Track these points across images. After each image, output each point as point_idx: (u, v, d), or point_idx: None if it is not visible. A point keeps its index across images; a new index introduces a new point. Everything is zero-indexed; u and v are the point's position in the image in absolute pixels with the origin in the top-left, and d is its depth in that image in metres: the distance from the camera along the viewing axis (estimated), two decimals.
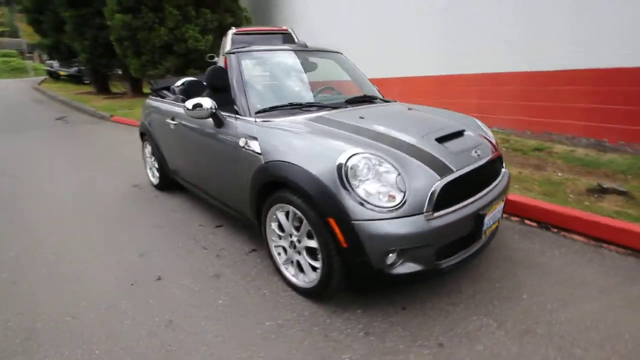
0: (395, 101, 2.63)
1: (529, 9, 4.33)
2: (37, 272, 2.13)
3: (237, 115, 2.10)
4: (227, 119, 2.13)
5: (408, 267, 1.53)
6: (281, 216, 1.80)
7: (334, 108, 2.19)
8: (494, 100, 4.82)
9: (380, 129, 1.83)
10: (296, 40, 2.82)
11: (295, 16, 9.17)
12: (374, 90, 2.75)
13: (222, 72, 2.82)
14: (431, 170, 1.57)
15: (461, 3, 5.10)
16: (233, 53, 2.30)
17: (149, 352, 1.50)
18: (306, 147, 1.68)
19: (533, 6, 4.28)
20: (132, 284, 2.00)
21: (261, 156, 1.82)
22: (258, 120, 1.98)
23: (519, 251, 2.21)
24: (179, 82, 3.53)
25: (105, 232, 2.64)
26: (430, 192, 1.51)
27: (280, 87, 2.38)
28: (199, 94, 3.17)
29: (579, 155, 3.79)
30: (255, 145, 1.87)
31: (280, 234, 1.86)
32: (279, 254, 1.94)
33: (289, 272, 1.88)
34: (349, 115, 2.06)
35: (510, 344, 1.48)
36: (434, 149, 1.69)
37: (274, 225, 1.89)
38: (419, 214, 1.48)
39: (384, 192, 1.47)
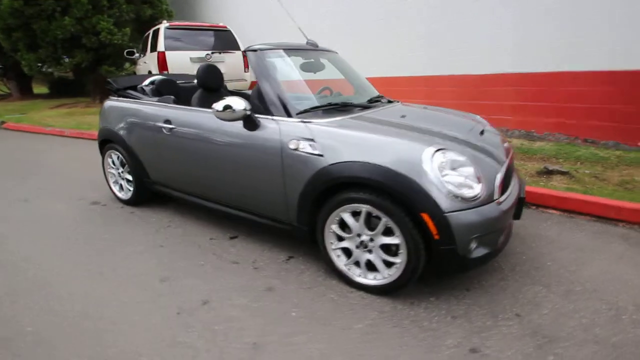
0: (398, 101, 2.77)
1: (467, 23, 4.98)
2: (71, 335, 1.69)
3: (275, 117, 1.98)
4: (263, 121, 2.00)
5: (481, 251, 1.68)
6: (347, 217, 1.78)
7: (364, 108, 2.22)
8: (439, 100, 5.40)
9: (428, 126, 1.95)
10: (308, 39, 2.71)
11: (227, 12, 8.75)
12: (375, 91, 2.85)
13: (217, 71, 2.61)
14: (492, 161, 1.75)
15: (403, 15, 5.58)
16: (255, 50, 2.14)
17: None
18: (381, 145, 1.69)
19: (472, 20, 4.94)
20: (178, 313, 1.73)
21: (322, 158, 1.77)
22: (306, 121, 1.90)
23: (517, 227, 2.58)
24: (147, 82, 3.12)
25: (98, 263, 2.21)
26: (496, 180, 1.68)
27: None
28: (172, 94, 2.87)
29: (516, 144, 4.52)
30: (312, 147, 1.80)
31: (345, 235, 1.83)
32: (339, 256, 1.90)
33: (354, 273, 1.87)
34: (389, 114, 2.13)
35: (563, 303, 1.75)
36: (483, 143, 1.88)
37: (334, 228, 1.85)
38: (492, 201, 1.64)
39: (465, 184, 1.58)
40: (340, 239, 1.88)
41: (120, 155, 2.93)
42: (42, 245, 2.45)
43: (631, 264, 2.08)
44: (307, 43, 2.56)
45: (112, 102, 3.03)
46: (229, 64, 6.77)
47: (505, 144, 2.06)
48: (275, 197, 2.04)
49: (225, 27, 6.93)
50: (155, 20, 8.62)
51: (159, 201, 3.11)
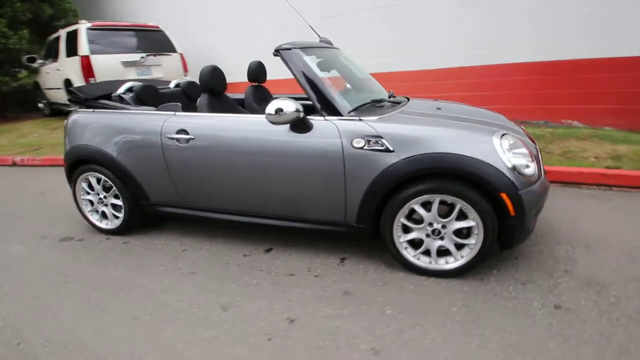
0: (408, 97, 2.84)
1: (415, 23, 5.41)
2: None
3: (327, 117, 1.92)
4: (315, 122, 1.91)
5: (534, 222, 1.90)
6: (419, 208, 1.83)
7: (395, 104, 2.28)
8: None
9: (469, 116, 2.11)
10: (321, 37, 2.58)
11: (143, 11, 7.91)
12: (381, 86, 2.89)
13: (222, 73, 2.44)
14: (531, 142, 1.99)
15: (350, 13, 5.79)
16: (289, 49, 2.02)
17: None
18: (452, 136, 1.78)
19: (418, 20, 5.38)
20: (269, 339, 1.57)
21: (393, 153, 1.78)
22: (364, 119, 1.89)
23: None
24: (123, 89, 2.70)
25: (123, 309, 1.86)
26: (540, 159, 1.93)
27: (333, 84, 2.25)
28: (155, 101, 2.58)
29: None
30: (381, 144, 1.80)
31: (414, 226, 1.88)
32: (406, 248, 1.95)
33: (423, 262, 1.93)
34: (426, 108, 2.23)
35: (590, 256, 2.07)
36: (514, 127, 2.11)
37: (403, 220, 1.89)
38: (542, 177, 1.87)
39: (526, 164, 1.77)
40: (407, 231, 1.92)
41: (104, 178, 2.48)
42: (37, 301, 1.96)
43: (613, 215, 2.57)
44: (320, 41, 2.51)
45: (84, 115, 2.53)
46: (167, 67, 6.17)
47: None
48: (332, 199, 1.98)
49: (158, 27, 6.27)
50: (56, 20, 7.34)
51: (149, 225, 2.71)
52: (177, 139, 2.18)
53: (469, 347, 1.47)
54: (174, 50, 6.27)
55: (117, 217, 2.62)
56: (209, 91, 2.40)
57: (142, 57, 5.81)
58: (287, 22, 6.44)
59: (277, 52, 2.04)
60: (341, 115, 1.92)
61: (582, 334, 1.50)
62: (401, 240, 1.93)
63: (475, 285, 1.86)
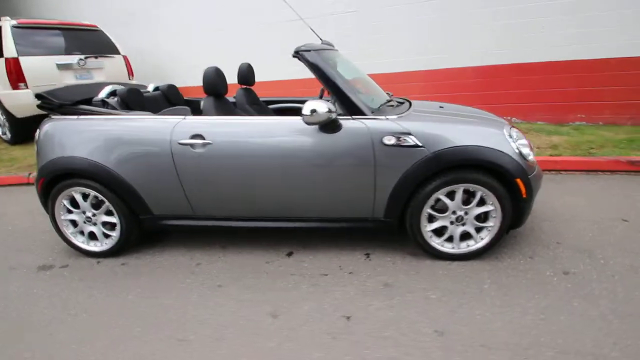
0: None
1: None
2: None
3: (355, 116, 1.98)
4: (344, 122, 1.96)
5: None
6: (444, 197, 1.99)
7: (402, 103, 2.43)
8: None
9: (471, 113, 2.35)
10: (322, 40, 2.51)
11: (66, 7, 7.08)
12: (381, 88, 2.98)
13: (223, 74, 2.38)
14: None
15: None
16: (309, 50, 2.03)
17: None
18: (470, 130, 1.97)
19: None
20: (333, 338, 1.57)
21: (423, 148, 1.91)
22: (389, 117, 1.99)
23: None
24: (105, 93, 2.44)
25: (176, 328, 1.71)
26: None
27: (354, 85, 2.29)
28: (140, 105, 2.46)
29: None
30: (411, 140, 1.91)
31: (439, 215, 2.04)
32: (431, 237, 2.09)
33: (447, 248, 2.10)
34: (431, 107, 2.40)
35: (596, 227, 2.42)
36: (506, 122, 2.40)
37: (429, 210, 2.03)
38: (535, 164, 2.16)
39: (529, 152, 2.04)
40: (430, 220, 2.07)
41: (94, 193, 2.20)
42: (50, 340, 1.67)
43: (571, 194, 3.03)
44: (323, 43, 2.55)
45: (64, 123, 2.21)
46: (110, 71, 5.59)
47: None
48: (361, 196, 2.04)
49: (95, 27, 5.64)
50: None
51: (141, 243, 2.47)
52: (191, 145, 2.04)
53: (514, 316, 1.66)
54: (116, 51, 5.71)
55: (108, 237, 2.34)
56: (214, 94, 2.29)
57: (81, 60, 5.17)
58: (244, 23, 6.33)
59: (297, 53, 2.04)
60: (364, 115, 2.00)
61: (594, 291, 1.79)
62: (427, 229, 2.08)
63: (494, 264, 2.08)
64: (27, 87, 4.70)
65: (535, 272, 1.98)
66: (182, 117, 2.10)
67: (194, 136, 2.04)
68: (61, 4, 7.31)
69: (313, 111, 1.84)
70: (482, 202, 2.01)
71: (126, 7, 6.84)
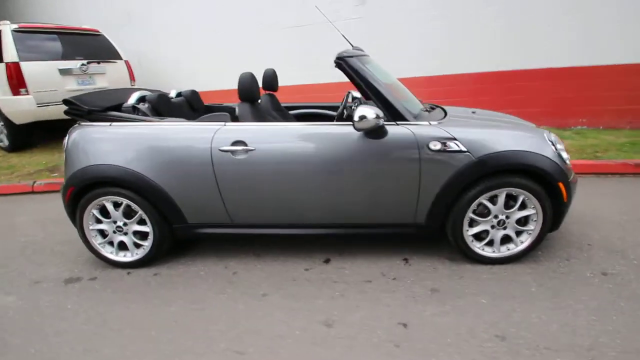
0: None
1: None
2: None
3: (399, 122, 1.98)
4: (391, 128, 1.96)
5: None
6: (487, 202, 2.01)
7: (436, 109, 2.45)
8: None
9: (504, 119, 2.39)
10: (354, 45, 2.51)
11: (57, 9, 6.92)
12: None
13: (257, 81, 2.36)
14: None
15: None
16: (352, 56, 2.03)
17: None
18: (512, 135, 2.01)
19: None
20: (397, 346, 1.56)
21: (468, 153, 1.93)
22: (432, 123, 2.00)
23: None
24: (134, 99, 2.38)
25: (231, 339, 1.66)
26: None
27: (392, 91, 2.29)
28: (168, 112, 2.44)
29: None
30: (457, 145, 1.93)
31: (480, 219, 2.05)
32: (472, 241, 2.11)
33: (487, 252, 2.11)
34: (464, 112, 2.43)
35: (616, 228, 2.50)
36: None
37: (471, 215, 2.04)
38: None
39: (567, 156, 2.09)
40: (471, 225, 2.09)
41: (127, 201, 2.13)
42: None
43: (587, 197, 3.12)
44: (354, 49, 2.55)
45: (96, 130, 2.14)
46: (112, 76, 5.46)
47: None
48: (404, 201, 2.05)
49: (97, 31, 5.51)
50: None
51: (174, 253, 2.40)
52: (233, 152, 2.00)
53: (568, 317, 1.68)
54: (118, 57, 5.58)
55: (139, 247, 2.27)
56: (249, 99, 2.27)
57: (84, 65, 5.04)
58: (241, 29, 6.30)
59: (339, 60, 2.04)
60: (408, 120, 2.01)
61: (636, 290, 1.83)
62: (469, 234, 2.09)
63: (534, 267, 2.10)
64: (27, 92, 4.54)
65: (575, 274, 2.02)
66: (222, 123, 2.06)
67: (236, 142, 2.01)
68: (55, 6, 7.13)
69: (362, 117, 1.83)
70: (523, 206, 2.04)
71: (123, 8, 6.72)
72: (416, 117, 2.05)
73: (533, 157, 1.93)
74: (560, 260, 2.15)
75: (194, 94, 2.94)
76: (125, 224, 2.21)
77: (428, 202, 2.04)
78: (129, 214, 2.20)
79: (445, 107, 2.47)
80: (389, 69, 2.94)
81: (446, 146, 1.94)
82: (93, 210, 2.19)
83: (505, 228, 2.08)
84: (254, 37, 6.20)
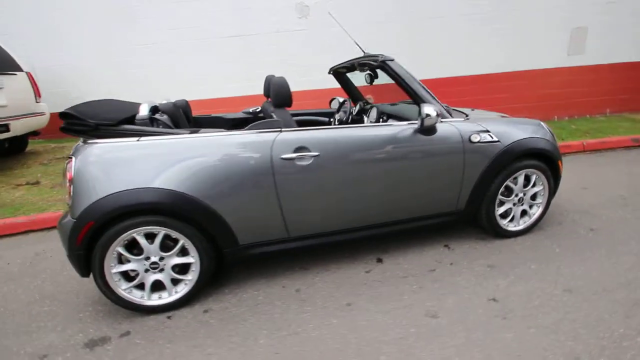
0: None
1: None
2: None
3: (443, 119, 2.16)
4: (438, 125, 2.11)
5: None
6: (511, 183, 2.34)
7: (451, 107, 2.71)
8: None
9: (500, 114, 2.79)
10: (365, 51, 2.48)
11: None
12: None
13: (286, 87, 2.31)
14: None
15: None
16: (392, 60, 2.12)
17: None
18: (524, 126, 2.36)
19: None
20: (504, 318, 1.69)
21: (499, 143, 2.21)
22: (467, 117, 2.24)
23: None
24: (146, 109, 2.01)
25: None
26: None
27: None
28: (183, 122, 2.30)
29: None
30: (490, 136, 2.20)
31: (506, 199, 2.37)
32: (500, 219, 2.41)
33: (510, 227, 2.45)
34: (467, 110, 2.74)
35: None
36: None
37: (499, 197, 2.34)
38: None
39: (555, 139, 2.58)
40: (500, 204, 2.40)
41: (165, 231, 1.77)
42: None
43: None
44: (365, 54, 2.63)
45: (118, 147, 1.71)
46: (11, 91, 4.33)
47: None
48: (451, 191, 2.23)
49: None
50: None
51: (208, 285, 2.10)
52: (296, 159, 1.87)
53: (604, 263, 2.09)
54: (17, 68, 4.46)
55: (177, 283, 1.90)
56: (288, 104, 2.14)
57: None
58: (177, 39, 5.74)
59: (383, 62, 2.11)
60: (447, 117, 2.21)
61: (617, 236, 2.38)
62: (497, 213, 2.39)
63: (554, 232, 2.50)
64: None
65: (574, 233, 2.50)
66: (278, 130, 1.91)
67: (298, 149, 1.88)
68: None
69: (427, 115, 1.95)
70: (534, 183, 2.44)
71: (32, 17, 5.40)
72: (450, 114, 2.26)
73: (543, 142, 2.35)
74: (558, 225, 2.63)
75: (187, 105, 2.60)
76: (161, 259, 1.83)
77: (469, 190, 2.27)
78: (165, 245, 1.83)
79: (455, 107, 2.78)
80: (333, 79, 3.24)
81: (481, 138, 2.20)
82: (117, 248, 1.75)
83: (522, 204, 2.46)
84: (187, 48, 5.72)
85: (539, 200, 2.49)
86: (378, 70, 2.59)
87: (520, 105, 5.94)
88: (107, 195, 1.67)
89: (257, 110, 3.08)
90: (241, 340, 1.67)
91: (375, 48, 2.70)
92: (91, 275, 1.80)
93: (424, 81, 2.37)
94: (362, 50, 2.69)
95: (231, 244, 1.92)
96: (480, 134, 2.21)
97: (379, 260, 2.29)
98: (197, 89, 5.79)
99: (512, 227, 2.46)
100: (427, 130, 2.08)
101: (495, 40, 5.70)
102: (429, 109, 1.97)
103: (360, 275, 2.15)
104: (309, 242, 2.08)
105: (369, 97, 3.42)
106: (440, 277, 2.09)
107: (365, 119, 2.94)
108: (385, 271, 2.17)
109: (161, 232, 1.78)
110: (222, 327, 1.77)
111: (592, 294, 1.84)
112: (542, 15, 5.58)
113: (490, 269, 2.14)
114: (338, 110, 3.22)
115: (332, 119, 3.29)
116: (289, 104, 2.17)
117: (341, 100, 3.38)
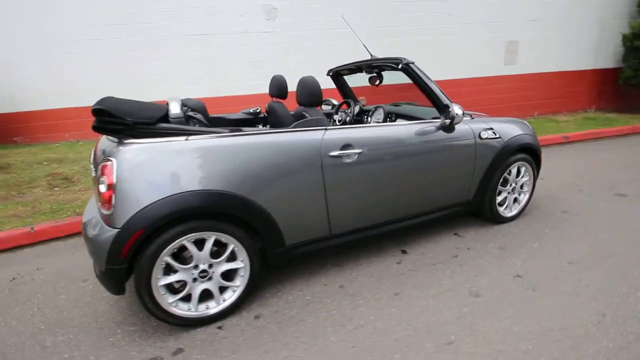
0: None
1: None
2: None
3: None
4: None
5: None
6: (507, 175, 2.66)
7: None
8: None
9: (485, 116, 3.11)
10: (372, 54, 2.50)
11: None
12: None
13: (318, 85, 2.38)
14: None
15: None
16: (413, 62, 2.26)
17: None
18: (514, 125, 2.68)
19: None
20: (534, 290, 1.92)
21: (500, 139, 2.50)
22: (473, 117, 2.48)
23: None
24: (176, 109, 1.88)
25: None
26: None
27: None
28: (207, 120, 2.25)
29: None
30: (494, 133, 2.48)
31: (503, 188, 2.68)
32: (498, 207, 2.71)
33: (506, 213, 2.77)
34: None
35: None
36: None
37: (500, 187, 2.65)
38: None
39: None
40: (499, 193, 2.70)
41: (216, 236, 1.66)
42: None
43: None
44: (372, 57, 2.74)
45: (173, 146, 1.57)
46: None
47: None
48: (464, 183, 2.47)
49: None
50: None
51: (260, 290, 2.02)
52: (343, 156, 1.90)
53: (587, 238, 2.47)
54: None
55: (224, 290, 1.79)
56: (320, 103, 2.16)
57: None
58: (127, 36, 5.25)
59: (406, 65, 2.25)
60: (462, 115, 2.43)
61: (588, 219, 2.85)
62: (497, 201, 2.69)
63: (536, 216, 2.88)
64: None
65: (553, 214, 2.92)
66: (324, 128, 1.91)
67: (345, 146, 1.91)
68: None
69: (457, 115, 2.15)
70: (522, 174, 2.80)
71: None
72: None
73: (531, 138, 2.71)
74: (536, 210, 3.03)
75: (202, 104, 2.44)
76: (210, 266, 1.71)
77: (477, 181, 2.52)
78: (217, 251, 1.71)
79: None
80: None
81: (488, 135, 2.47)
82: (166, 259, 1.59)
83: (514, 193, 2.80)
84: (140, 46, 5.28)
85: (525, 188, 2.86)
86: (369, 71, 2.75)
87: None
88: (158, 200, 1.52)
89: (257, 111, 3.00)
90: (311, 340, 1.64)
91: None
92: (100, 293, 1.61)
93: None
94: (370, 54, 2.82)
95: (279, 244, 1.87)
96: (487, 131, 2.47)
97: (404, 252, 2.42)
98: (152, 90, 5.37)
99: (507, 213, 2.79)
100: (451, 127, 2.28)
101: (443, 50, 6.28)
102: (458, 109, 2.16)
103: (394, 266, 2.25)
104: (347, 239, 2.12)
105: (362, 99, 3.56)
106: (464, 261, 2.28)
107: (369, 119, 3.07)
108: (414, 261, 2.30)
109: (212, 237, 1.67)
110: (284, 329, 1.72)
111: (590, 263, 2.19)
112: (482, 29, 6.33)
113: (503, 250, 2.40)
114: (336, 112, 3.30)
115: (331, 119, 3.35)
116: (320, 103, 2.19)
117: (334, 101, 3.47)
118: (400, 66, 2.28)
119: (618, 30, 6.72)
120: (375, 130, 2.14)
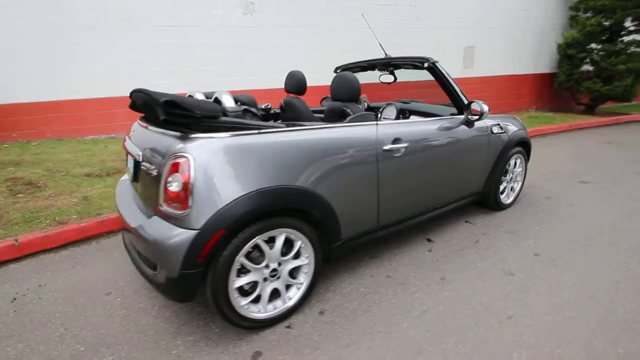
0: None
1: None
2: None
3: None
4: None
5: None
6: (511, 165, 2.95)
7: None
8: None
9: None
10: (387, 53, 2.47)
11: None
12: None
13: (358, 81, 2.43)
14: None
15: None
16: (437, 61, 2.39)
17: None
18: (512, 121, 2.97)
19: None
20: (554, 265, 2.17)
21: (505, 134, 2.76)
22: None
23: None
24: (230, 102, 1.81)
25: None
26: None
27: None
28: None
29: None
30: (501, 128, 2.73)
31: (504, 178, 2.96)
32: (501, 193, 2.99)
33: (506, 201, 3.06)
34: None
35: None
36: None
37: (503, 177, 2.92)
38: None
39: None
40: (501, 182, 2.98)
41: (287, 233, 1.62)
42: None
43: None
44: (386, 56, 2.82)
45: (249, 140, 1.49)
46: None
47: None
48: (479, 174, 2.68)
49: None
50: None
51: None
52: (393, 150, 1.96)
53: (574, 220, 2.83)
54: None
55: (288, 289, 1.74)
56: (348, 100, 2.19)
57: None
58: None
59: (432, 64, 2.37)
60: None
61: (567, 204, 3.27)
62: (500, 190, 2.96)
63: (526, 203, 3.21)
64: None
65: (540, 200, 3.29)
66: (375, 122, 1.95)
67: (395, 140, 1.98)
68: None
69: (485, 111, 2.33)
70: (518, 165, 3.11)
71: None
72: None
73: (525, 133, 3.03)
74: (524, 197, 3.39)
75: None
76: (280, 264, 1.66)
77: (486, 173, 2.76)
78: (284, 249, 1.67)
79: None
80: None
81: (498, 130, 2.72)
82: (241, 259, 1.51)
83: (512, 182, 3.10)
84: (100, 35, 4.80)
85: (519, 178, 3.18)
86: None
87: None
88: (238, 198, 1.44)
89: (269, 107, 2.93)
90: (386, 329, 1.69)
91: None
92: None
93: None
94: (385, 52, 2.90)
95: (337, 239, 1.88)
96: (496, 126, 2.72)
97: (429, 240, 2.56)
98: (115, 84, 4.92)
99: (506, 201, 3.08)
100: (472, 122, 2.46)
101: (411, 53, 6.66)
102: (485, 106, 2.34)
103: (426, 254, 2.37)
104: (389, 230, 2.19)
105: (364, 97, 3.65)
106: (486, 245, 2.49)
107: (380, 115, 3.16)
108: (443, 248, 2.45)
109: (282, 234, 1.63)
110: (354, 322, 1.74)
111: (587, 241, 2.53)
112: (445, 34, 6.82)
113: (513, 234, 2.66)
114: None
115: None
116: (352, 99, 2.23)
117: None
118: (426, 65, 2.40)
119: (554, 40, 7.71)
120: (416, 125, 2.25)
